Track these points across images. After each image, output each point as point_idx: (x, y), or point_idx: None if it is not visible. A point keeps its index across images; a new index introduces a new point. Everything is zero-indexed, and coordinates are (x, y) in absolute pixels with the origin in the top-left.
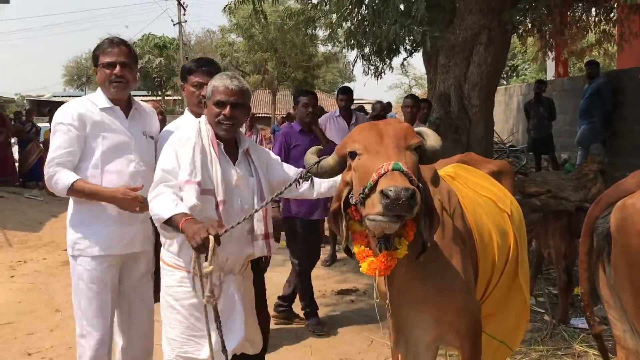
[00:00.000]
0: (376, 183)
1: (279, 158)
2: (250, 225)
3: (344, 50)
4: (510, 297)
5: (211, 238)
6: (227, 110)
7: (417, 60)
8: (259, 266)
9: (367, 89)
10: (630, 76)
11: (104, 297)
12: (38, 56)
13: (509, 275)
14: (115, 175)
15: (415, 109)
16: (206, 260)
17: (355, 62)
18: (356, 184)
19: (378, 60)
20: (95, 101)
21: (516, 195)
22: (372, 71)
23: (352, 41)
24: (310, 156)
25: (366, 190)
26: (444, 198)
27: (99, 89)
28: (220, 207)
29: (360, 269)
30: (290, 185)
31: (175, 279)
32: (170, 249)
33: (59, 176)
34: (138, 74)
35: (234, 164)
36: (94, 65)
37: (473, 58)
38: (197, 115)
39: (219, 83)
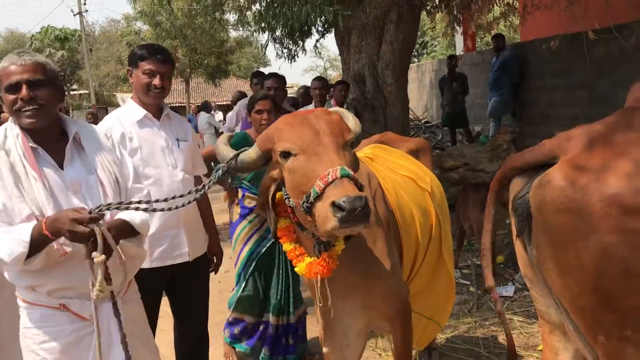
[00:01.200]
0: (323, 191)
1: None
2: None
3: (254, 34)
4: (435, 274)
5: (101, 233)
6: (23, 92)
7: (331, 42)
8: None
9: (282, 73)
10: (534, 47)
11: None
12: None
13: (433, 252)
14: None
15: (324, 90)
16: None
17: (267, 45)
18: (292, 187)
19: (291, 42)
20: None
21: (435, 171)
22: (285, 54)
23: (263, 24)
24: (224, 147)
25: (311, 198)
26: (364, 181)
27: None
28: None
29: (296, 269)
30: (209, 183)
31: (34, 317)
32: (22, 284)
33: None
34: None
35: (62, 167)
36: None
37: (385, 36)
38: (144, 105)
39: (6, 63)
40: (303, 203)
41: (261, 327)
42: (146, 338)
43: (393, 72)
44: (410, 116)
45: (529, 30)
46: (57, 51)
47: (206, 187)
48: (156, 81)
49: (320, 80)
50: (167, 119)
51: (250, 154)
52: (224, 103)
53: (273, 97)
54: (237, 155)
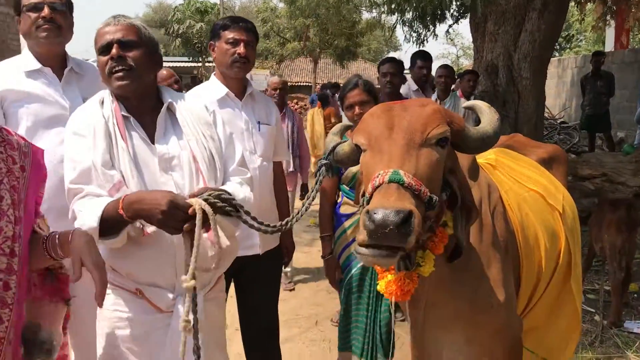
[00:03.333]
0: (371, 196)
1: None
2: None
3: (383, 16)
4: (558, 308)
5: (200, 206)
6: (113, 51)
7: (465, 28)
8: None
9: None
10: None
11: None
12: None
13: (558, 283)
14: None
15: (449, 79)
16: (190, 253)
17: (395, 28)
18: (363, 185)
19: (421, 26)
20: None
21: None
22: (414, 38)
23: (393, 5)
24: (332, 137)
25: (364, 202)
26: (483, 193)
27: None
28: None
29: (378, 287)
30: (319, 180)
31: (110, 298)
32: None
33: None
34: (179, 39)
35: (154, 141)
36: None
37: (525, 25)
38: (227, 79)
39: (102, 25)
40: (360, 205)
41: None
42: (222, 345)
43: (531, 64)
44: (545, 114)
45: None
46: (196, 23)
47: (312, 194)
48: (240, 49)
49: (446, 69)
50: (251, 98)
51: (344, 146)
52: None
53: (369, 85)
54: (333, 149)
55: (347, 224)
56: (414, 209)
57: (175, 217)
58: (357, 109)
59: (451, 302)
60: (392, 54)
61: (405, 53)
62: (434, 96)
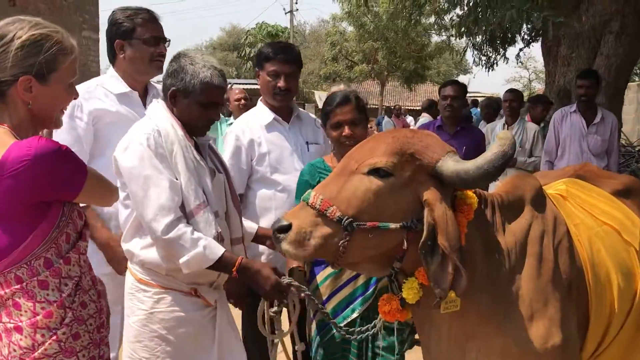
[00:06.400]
0: None
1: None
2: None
3: (451, 39)
4: (634, 350)
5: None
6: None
7: (537, 52)
8: None
9: (482, 83)
10: None
11: None
12: None
13: (634, 325)
14: None
15: (516, 103)
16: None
17: (465, 51)
18: None
19: (491, 49)
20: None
21: None
22: (484, 62)
23: (462, 29)
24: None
25: None
26: (548, 226)
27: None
28: (216, 217)
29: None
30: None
31: (165, 301)
32: (161, 270)
33: None
34: (250, 62)
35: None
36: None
37: (601, 49)
38: (272, 107)
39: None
40: None
41: None
42: (240, 340)
43: (606, 90)
44: (622, 141)
45: None
46: None
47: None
48: (280, 83)
49: (512, 92)
50: (298, 120)
51: None
52: (416, 108)
53: (362, 103)
54: None
55: (320, 277)
56: (296, 223)
57: (277, 295)
58: (346, 129)
59: (497, 338)
60: (461, 78)
61: (474, 77)
62: (502, 122)
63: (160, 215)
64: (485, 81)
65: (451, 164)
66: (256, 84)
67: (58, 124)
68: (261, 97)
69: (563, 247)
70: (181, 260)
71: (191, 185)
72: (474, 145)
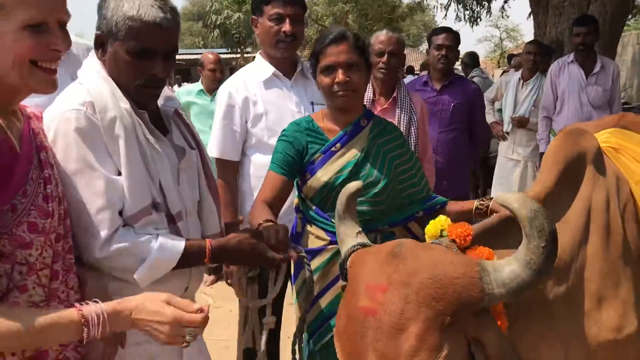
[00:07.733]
0: None
1: None
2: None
3: None
4: None
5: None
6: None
7: (513, 9)
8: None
9: None
10: None
11: None
12: None
13: None
14: None
15: (539, 57)
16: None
17: (449, 5)
18: None
19: (475, 3)
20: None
21: None
22: (467, 17)
23: None
24: None
25: None
26: (610, 189)
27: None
28: (178, 221)
29: None
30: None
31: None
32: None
33: None
34: (217, 30)
35: (167, 135)
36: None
37: None
38: (273, 60)
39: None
40: None
41: None
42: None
43: (601, 40)
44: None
45: None
46: (234, 13)
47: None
48: (286, 27)
49: (536, 45)
50: (302, 76)
51: None
52: None
53: (362, 41)
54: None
55: (314, 264)
56: None
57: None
58: (340, 74)
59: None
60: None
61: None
62: (518, 75)
63: (94, 230)
64: None
65: (496, 284)
66: (225, 52)
67: (33, 85)
68: (260, 50)
69: (629, 213)
70: (136, 276)
71: (136, 183)
72: (466, 102)
